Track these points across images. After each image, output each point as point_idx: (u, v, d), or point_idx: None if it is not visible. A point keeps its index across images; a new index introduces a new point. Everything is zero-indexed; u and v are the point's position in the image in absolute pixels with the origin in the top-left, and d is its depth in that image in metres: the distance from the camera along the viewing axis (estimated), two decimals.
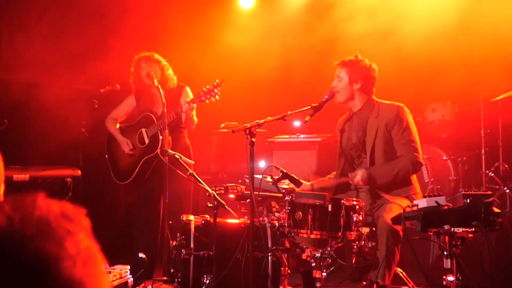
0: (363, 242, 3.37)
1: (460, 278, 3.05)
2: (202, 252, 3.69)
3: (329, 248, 3.32)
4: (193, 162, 4.01)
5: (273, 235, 3.66)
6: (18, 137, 5.21)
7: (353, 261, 3.64)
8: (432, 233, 3.10)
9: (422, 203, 3.13)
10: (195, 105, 4.49)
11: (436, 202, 3.06)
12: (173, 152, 4.02)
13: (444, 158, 5.90)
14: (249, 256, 3.47)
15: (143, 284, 4.26)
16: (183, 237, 3.79)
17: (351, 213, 3.30)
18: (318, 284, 3.30)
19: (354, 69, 3.96)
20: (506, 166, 5.72)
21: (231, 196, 3.93)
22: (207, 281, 3.64)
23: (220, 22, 6.47)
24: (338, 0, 5.93)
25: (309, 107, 3.86)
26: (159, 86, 4.55)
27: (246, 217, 3.82)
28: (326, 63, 4.51)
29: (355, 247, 3.45)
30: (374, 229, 3.57)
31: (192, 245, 3.75)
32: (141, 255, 4.14)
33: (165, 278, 3.94)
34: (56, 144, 5.32)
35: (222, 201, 3.67)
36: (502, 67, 5.35)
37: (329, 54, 5.36)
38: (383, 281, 3.45)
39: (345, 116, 4.20)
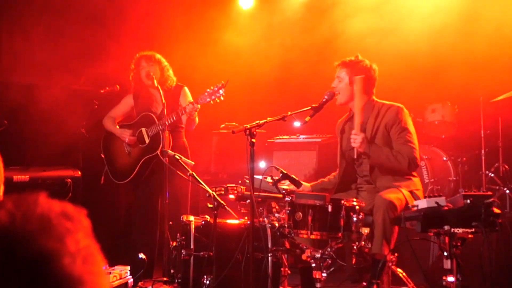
0: (363, 242, 3.37)
1: (460, 278, 3.05)
2: (202, 253, 3.69)
3: (329, 249, 3.33)
4: (193, 163, 4.00)
5: (273, 236, 3.66)
6: (18, 138, 5.21)
7: (353, 262, 3.65)
8: (432, 234, 3.11)
9: (422, 203, 3.13)
10: (199, 105, 4.49)
11: (436, 202, 3.06)
12: (173, 153, 4.02)
13: (444, 158, 5.90)
14: (249, 257, 3.47)
15: (141, 282, 4.26)
16: (183, 237, 3.79)
17: (351, 213, 3.30)
18: (318, 285, 3.30)
19: (354, 69, 3.97)
20: (506, 166, 5.72)
21: (231, 196, 3.93)
22: (207, 282, 3.64)
23: (220, 23, 6.48)
24: (337, 1, 5.94)
25: (309, 107, 3.86)
26: (159, 87, 4.56)
27: (246, 217, 3.83)
28: (326, 64, 4.52)
29: (355, 247, 3.45)
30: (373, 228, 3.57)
31: (192, 246, 3.75)
32: (141, 255, 4.14)
33: (165, 278, 3.94)
34: (56, 145, 5.32)
35: (222, 202, 3.67)
36: (502, 67, 5.35)
37: (329, 54, 5.37)
38: (380, 252, 3.42)
39: (345, 117, 4.21)
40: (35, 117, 5.21)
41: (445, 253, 3.06)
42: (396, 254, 3.63)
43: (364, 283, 3.59)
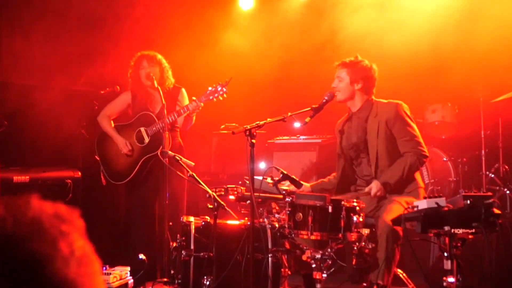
0: (364, 243, 3.37)
1: (460, 279, 3.05)
2: (202, 254, 3.69)
3: (329, 250, 3.33)
4: (193, 164, 4.00)
5: (273, 236, 3.66)
6: (18, 139, 5.21)
7: (354, 263, 3.64)
8: (432, 234, 3.10)
9: (422, 204, 3.12)
10: (202, 104, 4.49)
11: (436, 203, 3.05)
12: (173, 154, 4.02)
13: (444, 159, 5.90)
14: (249, 258, 3.47)
15: (142, 287, 4.26)
16: (183, 238, 3.79)
17: (352, 214, 3.30)
18: (318, 286, 3.30)
19: (355, 69, 3.98)
20: (506, 167, 5.72)
21: (231, 197, 3.93)
22: (207, 283, 3.64)
23: (220, 24, 6.48)
24: (337, 1, 5.94)
25: (309, 108, 3.87)
26: (159, 88, 4.56)
27: (246, 218, 3.82)
28: (325, 64, 4.51)
29: (355, 248, 3.44)
30: (374, 229, 3.57)
31: (192, 247, 3.75)
32: (141, 256, 4.13)
33: (165, 279, 3.93)
34: (56, 145, 5.32)
35: (222, 203, 3.67)
36: (502, 68, 5.35)
37: (328, 55, 5.36)
38: (383, 282, 3.45)
39: (344, 117, 4.21)
40: (35, 118, 5.21)
41: (445, 254, 3.05)
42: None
43: (365, 284, 3.59)
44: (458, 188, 5.74)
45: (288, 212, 3.38)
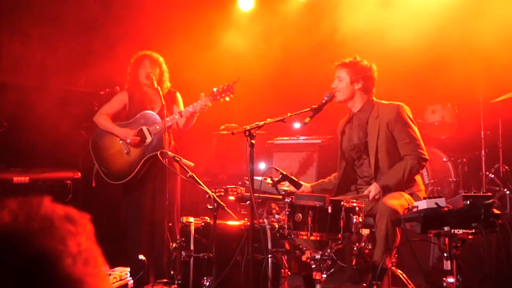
0: (363, 243, 3.37)
1: (460, 279, 3.04)
2: (202, 254, 3.69)
3: (329, 250, 3.33)
4: (193, 164, 4.00)
5: (273, 237, 3.66)
6: (18, 140, 5.22)
7: (353, 263, 3.64)
8: (432, 235, 3.10)
9: (422, 204, 3.12)
10: (210, 103, 4.51)
11: (436, 203, 3.05)
12: (173, 154, 4.01)
13: (444, 159, 5.91)
14: (249, 258, 3.47)
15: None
16: (183, 239, 3.79)
17: (351, 214, 3.30)
18: (318, 286, 3.30)
19: (355, 69, 3.98)
20: (506, 167, 5.72)
21: (231, 198, 3.93)
22: (207, 283, 3.64)
23: (220, 24, 6.48)
24: (336, 2, 5.94)
25: (308, 109, 3.87)
26: (159, 88, 4.56)
27: (246, 219, 3.82)
28: (325, 65, 4.52)
29: (355, 248, 3.44)
30: (374, 230, 3.57)
31: (192, 247, 3.75)
32: (141, 257, 4.13)
33: (165, 280, 3.93)
34: (56, 146, 5.32)
35: (222, 203, 3.67)
36: (501, 68, 5.36)
37: (328, 55, 5.36)
38: (381, 261, 3.43)
39: (345, 118, 4.21)
40: (35, 119, 5.22)
41: (445, 254, 3.05)
42: (396, 255, 3.63)
43: (364, 284, 3.59)
44: (458, 188, 5.75)
45: (288, 212, 3.38)
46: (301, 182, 3.80)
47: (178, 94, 4.87)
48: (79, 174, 4.93)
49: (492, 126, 5.84)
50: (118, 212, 5.87)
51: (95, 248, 0.97)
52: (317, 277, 3.29)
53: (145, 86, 4.77)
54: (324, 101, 3.93)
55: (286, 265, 3.67)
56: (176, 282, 3.75)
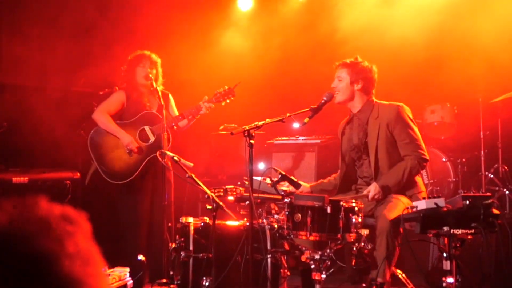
0: (363, 243, 3.37)
1: (459, 279, 3.05)
2: (201, 255, 3.69)
3: (328, 250, 3.32)
4: (192, 165, 3.99)
5: (272, 237, 3.66)
6: (17, 140, 5.21)
7: (353, 263, 3.64)
8: (431, 235, 3.10)
9: (421, 204, 3.12)
10: (213, 105, 4.61)
11: (436, 203, 3.05)
12: (172, 154, 4.01)
13: (444, 159, 5.91)
14: (248, 258, 3.47)
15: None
16: (182, 239, 3.79)
17: (350, 214, 3.30)
18: (317, 286, 3.29)
19: (355, 69, 3.98)
20: (506, 167, 5.72)
21: (230, 198, 3.92)
22: (207, 284, 3.63)
23: (219, 24, 6.48)
24: (335, 2, 5.94)
25: (308, 109, 3.87)
26: (158, 89, 4.56)
27: (245, 219, 3.82)
28: (324, 65, 4.52)
29: (354, 249, 3.44)
30: (373, 230, 3.57)
31: (191, 248, 3.75)
32: (140, 257, 4.12)
33: (164, 280, 3.93)
34: (55, 146, 5.31)
35: (221, 203, 3.67)
36: (501, 68, 5.36)
37: (327, 55, 5.36)
38: (383, 279, 3.44)
39: (346, 119, 4.21)
40: (35, 119, 5.21)
41: (445, 254, 3.05)
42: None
43: (364, 284, 3.59)
44: (457, 188, 5.75)
45: (287, 213, 3.37)
46: (300, 182, 3.80)
47: (170, 96, 4.88)
48: (78, 174, 4.92)
49: (491, 126, 5.84)
50: (117, 212, 5.87)
51: (92, 248, 0.97)
52: (317, 277, 3.28)
53: (141, 86, 4.76)
54: (323, 101, 3.93)
55: (286, 265, 3.66)
56: (175, 282, 3.75)
